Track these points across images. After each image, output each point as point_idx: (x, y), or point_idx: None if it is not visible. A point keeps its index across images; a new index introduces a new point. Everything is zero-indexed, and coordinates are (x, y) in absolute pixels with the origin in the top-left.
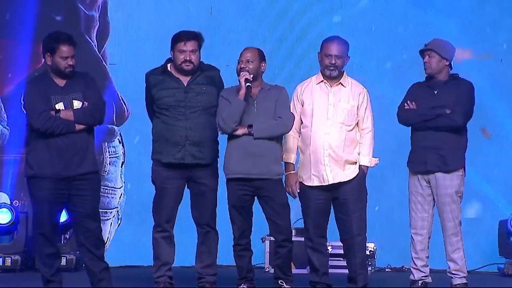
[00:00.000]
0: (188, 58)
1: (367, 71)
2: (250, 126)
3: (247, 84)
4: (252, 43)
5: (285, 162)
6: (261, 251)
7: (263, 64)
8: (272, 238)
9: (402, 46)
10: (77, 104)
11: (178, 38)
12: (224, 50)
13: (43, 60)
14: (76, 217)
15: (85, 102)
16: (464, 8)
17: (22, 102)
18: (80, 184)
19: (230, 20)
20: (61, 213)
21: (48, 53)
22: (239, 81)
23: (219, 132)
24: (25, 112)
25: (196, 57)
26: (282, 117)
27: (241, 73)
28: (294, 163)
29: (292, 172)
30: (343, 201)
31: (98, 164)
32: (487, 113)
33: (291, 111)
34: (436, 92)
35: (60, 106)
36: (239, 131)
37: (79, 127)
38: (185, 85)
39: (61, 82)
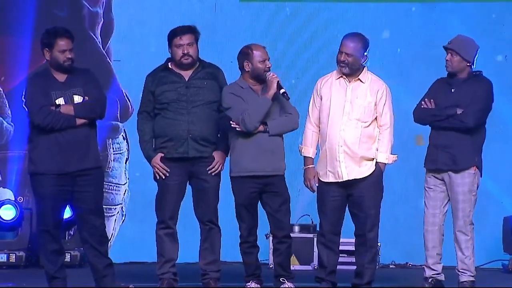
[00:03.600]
0: (186, 52)
1: (371, 69)
2: (264, 124)
3: (283, 91)
4: (256, 40)
5: (304, 156)
6: (265, 247)
7: None
8: None
9: (406, 43)
10: (77, 99)
11: (174, 33)
12: (227, 47)
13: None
14: (80, 213)
15: (85, 97)
16: (468, 4)
17: (23, 100)
18: (83, 180)
19: (234, 17)
20: (64, 209)
21: (47, 48)
22: (270, 81)
23: (237, 128)
24: (26, 108)
25: (193, 50)
26: (292, 113)
27: (271, 74)
28: (313, 157)
29: (311, 166)
30: (358, 199)
31: (100, 159)
32: (492, 110)
33: (311, 105)
34: (453, 91)
35: (60, 101)
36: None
37: (79, 121)
38: (186, 80)
39: (61, 78)
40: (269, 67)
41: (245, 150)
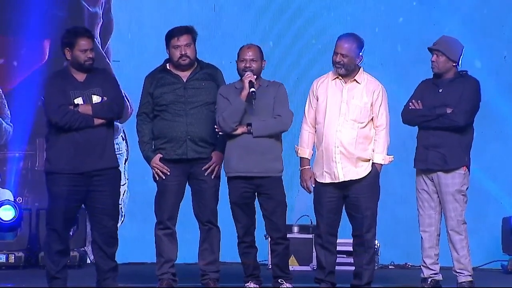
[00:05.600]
0: (183, 53)
1: (371, 69)
2: (249, 125)
3: (252, 90)
4: (255, 40)
5: (300, 157)
6: (264, 248)
7: (264, 62)
8: None
9: (406, 43)
10: (96, 99)
11: (171, 34)
12: (227, 47)
13: (47, 56)
14: (93, 213)
15: (104, 97)
16: (467, 4)
17: (42, 98)
18: (99, 180)
19: (233, 16)
20: (78, 210)
21: (67, 48)
22: (243, 81)
23: (217, 131)
24: (44, 107)
25: (191, 50)
26: (281, 115)
27: (246, 74)
28: (309, 158)
29: (307, 167)
30: (354, 200)
31: (117, 159)
32: (492, 110)
33: (307, 106)
34: (441, 91)
35: (79, 101)
36: (239, 130)
37: (97, 121)
38: (184, 81)
39: (80, 77)
40: (247, 67)
41: (233, 150)
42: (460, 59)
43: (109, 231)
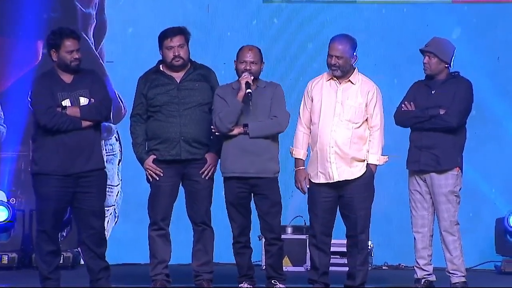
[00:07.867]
0: (176, 54)
1: (365, 69)
2: (245, 125)
3: (248, 91)
4: (248, 41)
5: (294, 158)
6: (258, 248)
7: (263, 64)
8: None
9: (400, 44)
10: (83, 100)
11: (164, 35)
12: (221, 48)
13: (41, 57)
14: (81, 215)
15: (91, 98)
16: (462, 6)
17: (29, 100)
18: (86, 181)
19: (227, 18)
20: (66, 211)
21: (53, 50)
22: (240, 82)
23: (214, 131)
24: (31, 109)
25: (184, 51)
26: (278, 116)
27: (243, 75)
28: (304, 159)
29: (301, 167)
30: (348, 200)
31: (104, 161)
32: (485, 111)
33: (302, 107)
34: (433, 92)
35: (66, 102)
36: (235, 131)
37: (85, 123)
38: (178, 82)
39: (67, 79)
40: (247, 69)
41: (229, 151)
42: (452, 60)
43: (98, 232)
